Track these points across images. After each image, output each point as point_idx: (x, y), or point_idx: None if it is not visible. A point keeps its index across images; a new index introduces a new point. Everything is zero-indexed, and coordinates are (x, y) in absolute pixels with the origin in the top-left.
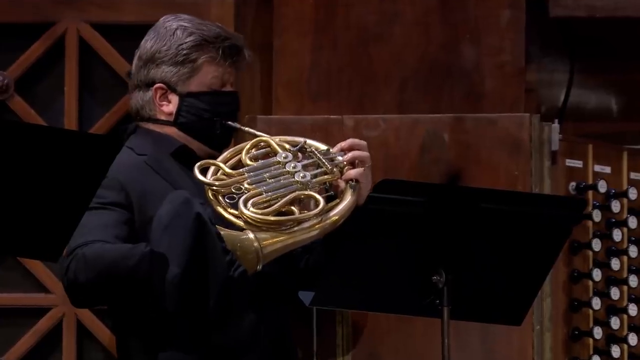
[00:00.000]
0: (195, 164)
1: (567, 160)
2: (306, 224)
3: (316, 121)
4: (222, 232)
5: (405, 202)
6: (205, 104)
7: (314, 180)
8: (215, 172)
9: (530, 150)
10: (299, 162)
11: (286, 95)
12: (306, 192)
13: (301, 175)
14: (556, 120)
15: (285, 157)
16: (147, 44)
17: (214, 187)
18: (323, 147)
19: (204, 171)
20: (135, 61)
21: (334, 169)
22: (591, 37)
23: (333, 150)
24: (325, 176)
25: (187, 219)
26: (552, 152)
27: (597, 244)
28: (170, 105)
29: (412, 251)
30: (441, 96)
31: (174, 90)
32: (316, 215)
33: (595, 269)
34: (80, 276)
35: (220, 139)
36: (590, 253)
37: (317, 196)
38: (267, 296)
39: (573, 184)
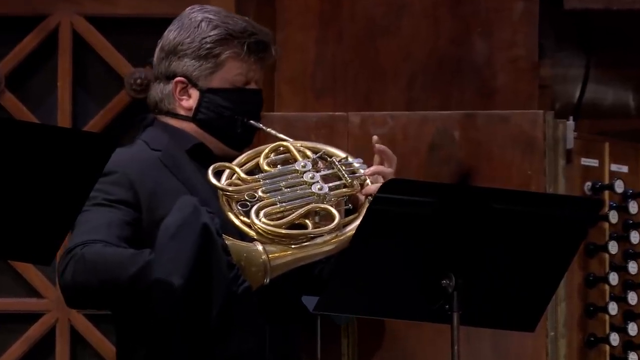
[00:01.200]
0: (211, 162)
1: (583, 159)
2: (319, 239)
3: (320, 118)
4: (228, 243)
5: (414, 202)
6: (226, 101)
7: (331, 192)
8: (230, 176)
9: (544, 149)
10: (318, 172)
11: (289, 91)
12: (322, 205)
13: (318, 186)
14: (571, 117)
15: (304, 166)
16: (170, 34)
17: (227, 193)
18: (343, 155)
19: (218, 174)
20: (157, 51)
21: (354, 182)
22: (608, 31)
23: (357, 159)
24: (344, 189)
25: (194, 229)
26: (566, 150)
27: (613, 247)
28: (190, 101)
29: (420, 254)
30: (451, 92)
31: (195, 85)
32: (331, 230)
33: (612, 273)
34: (77, 277)
35: (240, 138)
36: (607, 256)
37: (333, 211)
38: (276, 309)
39: (589, 183)
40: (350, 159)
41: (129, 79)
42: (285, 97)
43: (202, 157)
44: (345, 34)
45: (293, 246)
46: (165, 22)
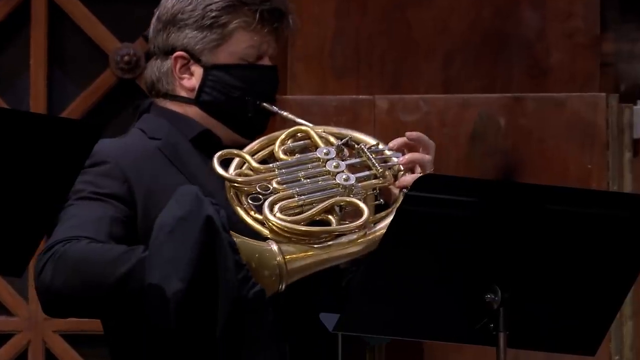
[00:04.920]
0: None
1: None
2: (345, 238)
3: (342, 102)
4: (237, 241)
5: (452, 202)
6: (235, 80)
7: (359, 184)
8: (240, 166)
9: (606, 139)
10: (343, 160)
11: (305, 71)
12: (348, 199)
13: (344, 177)
14: (639, 102)
15: (327, 153)
16: (169, 1)
17: (236, 184)
18: (374, 142)
19: (225, 163)
20: (153, 22)
21: (387, 172)
22: None
23: (390, 145)
24: (375, 181)
25: (195, 223)
26: (633, 140)
27: None
28: (193, 79)
29: (460, 263)
30: (496, 72)
31: (197, 61)
32: (358, 227)
33: None
34: (57, 280)
35: (252, 124)
36: None
37: (361, 204)
38: (298, 326)
39: None
40: (382, 146)
41: (114, 56)
42: (300, 77)
43: (209, 146)
44: (370, 4)
45: (314, 246)
46: None
